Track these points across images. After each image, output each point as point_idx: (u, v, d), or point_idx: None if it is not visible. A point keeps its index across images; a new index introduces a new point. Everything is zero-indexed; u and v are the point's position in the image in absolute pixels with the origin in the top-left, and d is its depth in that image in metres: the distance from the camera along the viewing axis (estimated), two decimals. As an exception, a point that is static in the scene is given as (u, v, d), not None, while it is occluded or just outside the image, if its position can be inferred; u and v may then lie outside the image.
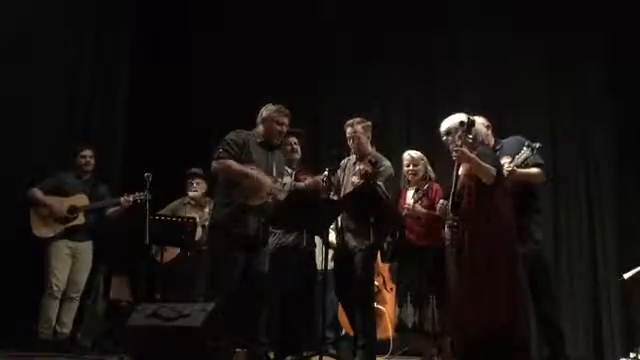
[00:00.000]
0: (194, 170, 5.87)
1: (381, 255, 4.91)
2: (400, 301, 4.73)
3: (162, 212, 5.67)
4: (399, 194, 4.85)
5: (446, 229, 4.11)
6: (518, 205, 4.08)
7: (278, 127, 4.50)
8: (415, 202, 4.71)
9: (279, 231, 4.79)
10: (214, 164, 4.39)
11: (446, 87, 6.60)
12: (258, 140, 4.49)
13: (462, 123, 3.94)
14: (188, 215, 5.58)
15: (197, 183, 5.86)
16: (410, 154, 4.89)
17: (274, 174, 4.47)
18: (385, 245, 4.77)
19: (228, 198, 4.37)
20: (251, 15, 7.16)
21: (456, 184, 3.96)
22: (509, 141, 4.42)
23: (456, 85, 6.53)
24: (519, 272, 3.82)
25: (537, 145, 4.15)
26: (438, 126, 4.15)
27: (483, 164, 3.86)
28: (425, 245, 4.61)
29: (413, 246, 4.66)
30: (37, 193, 5.47)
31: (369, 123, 4.77)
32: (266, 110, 4.53)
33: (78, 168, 5.66)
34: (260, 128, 4.53)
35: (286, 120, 4.52)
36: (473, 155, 3.87)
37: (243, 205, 4.32)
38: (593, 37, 6.20)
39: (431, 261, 4.55)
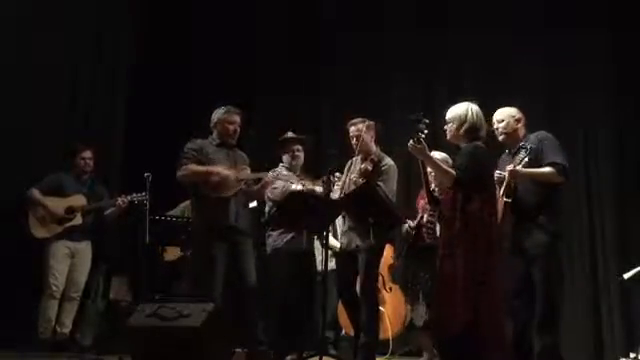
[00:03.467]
0: None
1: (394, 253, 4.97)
2: (412, 300, 4.74)
3: (172, 212, 5.70)
4: (420, 194, 4.86)
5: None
6: (532, 202, 4.08)
7: (231, 127, 4.66)
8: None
9: (275, 232, 4.86)
10: (178, 173, 4.55)
11: (446, 86, 6.59)
12: (215, 143, 4.67)
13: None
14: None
15: None
16: (434, 155, 4.87)
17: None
18: (397, 243, 4.80)
19: (202, 197, 4.51)
20: (251, 15, 7.16)
21: (426, 179, 4.00)
22: (533, 136, 4.32)
23: (456, 84, 6.52)
24: (492, 275, 3.75)
25: (530, 146, 4.11)
26: (437, 125, 4.15)
27: (439, 165, 3.88)
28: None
29: (427, 244, 4.66)
30: (35, 194, 5.48)
31: (372, 123, 4.79)
32: (216, 114, 4.72)
33: (77, 169, 5.66)
34: (214, 132, 4.71)
35: (237, 118, 4.69)
36: (427, 153, 3.88)
37: (218, 198, 4.46)
38: (594, 36, 6.20)
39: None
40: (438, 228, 4.06)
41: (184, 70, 7.04)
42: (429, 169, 4.03)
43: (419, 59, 6.79)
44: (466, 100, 4.01)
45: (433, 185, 4.30)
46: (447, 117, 4.00)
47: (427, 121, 3.95)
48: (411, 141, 3.86)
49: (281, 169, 4.98)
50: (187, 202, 5.89)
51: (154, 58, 7.04)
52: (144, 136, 6.69)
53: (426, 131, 3.91)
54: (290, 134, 5.07)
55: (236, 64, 6.99)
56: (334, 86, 6.97)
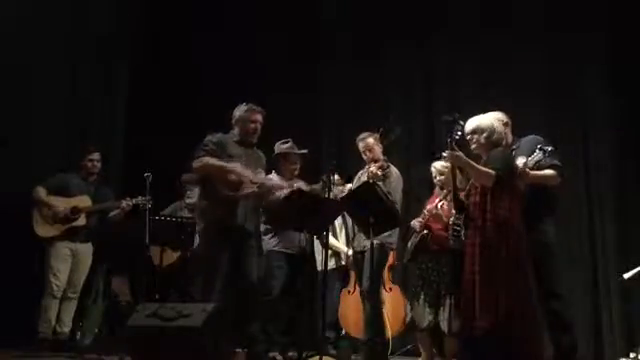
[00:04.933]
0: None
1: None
2: (411, 300, 4.76)
3: (164, 212, 5.69)
4: (430, 197, 4.89)
5: (449, 229, 4.14)
6: (530, 206, 4.07)
7: (252, 125, 4.66)
8: (440, 202, 4.71)
9: (267, 236, 4.98)
10: (195, 164, 4.52)
11: (446, 87, 6.59)
12: (235, 139, 4.66)
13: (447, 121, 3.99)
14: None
15: (192, 189, 5.86)
16: (434, 166, 4.88)
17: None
18: (408, 244, 4.83)
19: (213, 195, 4.48)
20: (251, 15, 7.16)
21: (455, 183, 4.00)
22: (527, 140, 4.36)
23: (455, 85, 6.52)
24: (521, 275, 3.79)
25: (549, 148, 4.12)
26: (438, 125, 4.16)
27: (478, 168, 3.90)
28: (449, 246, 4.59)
29: (436, 246, 4.65)
30: (41, 193, 5.48)
31: (379, 136, 5.02)
32: (238, 111, 4.71)
33: (84, 170, 5.67)
34: (235, 129, 4.70)
35: (259, 117, 4.69)
36: (466, 158, 3.92)
37: (232, 197, 4.44)
38: (593, 37, 6.19)
39: (453, 262, 4.51)
40: (463, 232, 4.05)
41: (184, 70, 7.04)
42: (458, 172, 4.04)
43: (419, 59, 6.79)
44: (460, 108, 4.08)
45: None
46: (472, 128, 4.07)
47: (462, 123, 3.99)
48: (446, 151, 3.94)
49: (274, 175, 5.04)
50: (179, 202, 5.92)
51: (154, 58, 7.04)
52: (144, 136, 6.69)
53: (460, 132, 3.95)
54: (293, 147, 5.08)
55: (236, 64, 6.99)
56: (334, 86, 6.97)
